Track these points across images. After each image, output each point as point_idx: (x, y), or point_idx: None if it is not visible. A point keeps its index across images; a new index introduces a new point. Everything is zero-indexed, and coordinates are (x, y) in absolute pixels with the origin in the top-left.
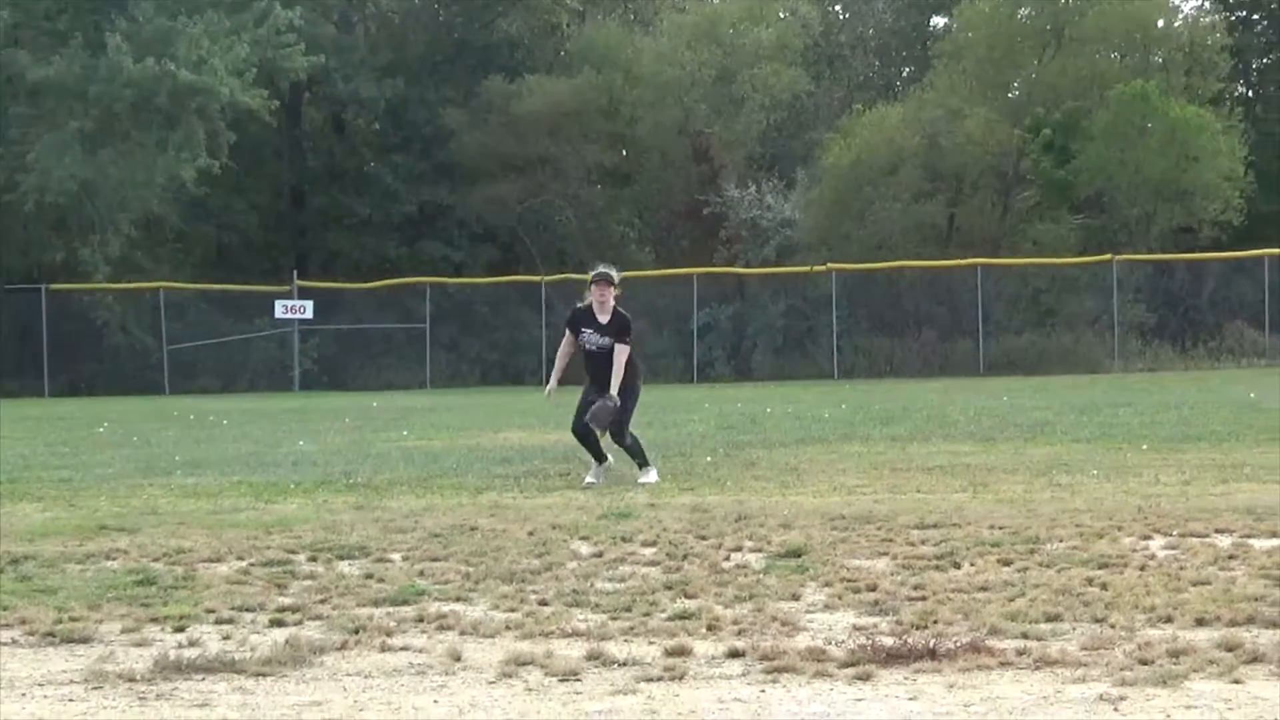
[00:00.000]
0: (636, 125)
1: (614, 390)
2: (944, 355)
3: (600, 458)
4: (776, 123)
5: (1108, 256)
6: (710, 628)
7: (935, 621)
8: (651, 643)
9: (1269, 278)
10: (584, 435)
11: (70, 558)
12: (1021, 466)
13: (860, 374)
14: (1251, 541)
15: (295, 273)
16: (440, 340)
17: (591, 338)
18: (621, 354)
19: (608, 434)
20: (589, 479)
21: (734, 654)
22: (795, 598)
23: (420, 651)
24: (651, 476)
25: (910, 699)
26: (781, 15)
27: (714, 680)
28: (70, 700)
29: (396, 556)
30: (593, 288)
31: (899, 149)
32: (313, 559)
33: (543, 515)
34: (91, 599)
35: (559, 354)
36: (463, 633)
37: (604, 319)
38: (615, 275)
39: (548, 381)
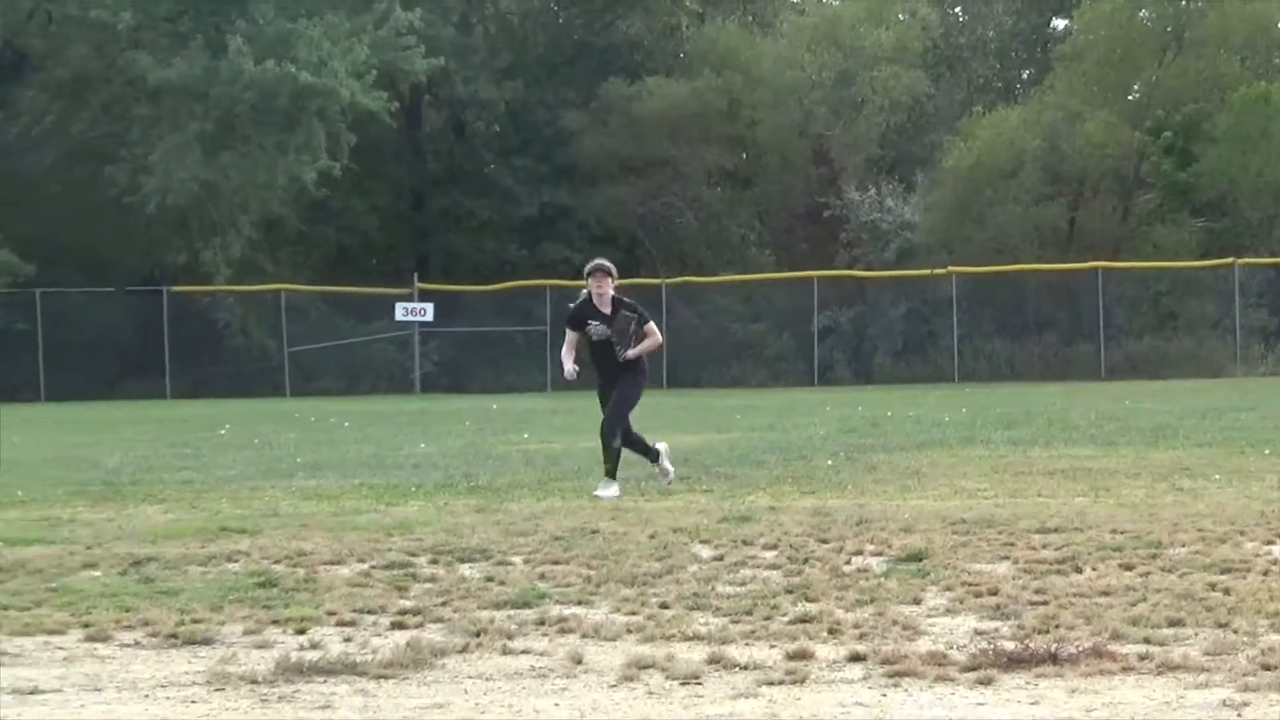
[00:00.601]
0: (756, 127)
1: (630, 354)
2: (1065, 359)
3: (651, 453)
4: (896, 125)
5: (1230, 260)
6: (831, 631)
7: (1057, 626)
8: (773, 646)
9: None
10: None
11: (192, 559)
12: (1143, 471)
13: (981, 377)
14: None
15: (416, 275)
16: (560, 343)
17: (597, 328)
18: (652, 331)
19: (610, 430)
20: (668, 474)
21: (855, 658)
22: (916, 602)
23: (541, 654)
24: (611, 490)
25: (1032, 704)
26: (901, 17)
27: (835, 684)
28: (192, 702)
29: (518, 559)
30: (591, 280)
31: (1019, 151)
32: (434, 562)
33: (663, 518)
34: (213, 601)
35: (563, 352)
36: (584, 636)
37: (606, 310)
38: (612, 267)
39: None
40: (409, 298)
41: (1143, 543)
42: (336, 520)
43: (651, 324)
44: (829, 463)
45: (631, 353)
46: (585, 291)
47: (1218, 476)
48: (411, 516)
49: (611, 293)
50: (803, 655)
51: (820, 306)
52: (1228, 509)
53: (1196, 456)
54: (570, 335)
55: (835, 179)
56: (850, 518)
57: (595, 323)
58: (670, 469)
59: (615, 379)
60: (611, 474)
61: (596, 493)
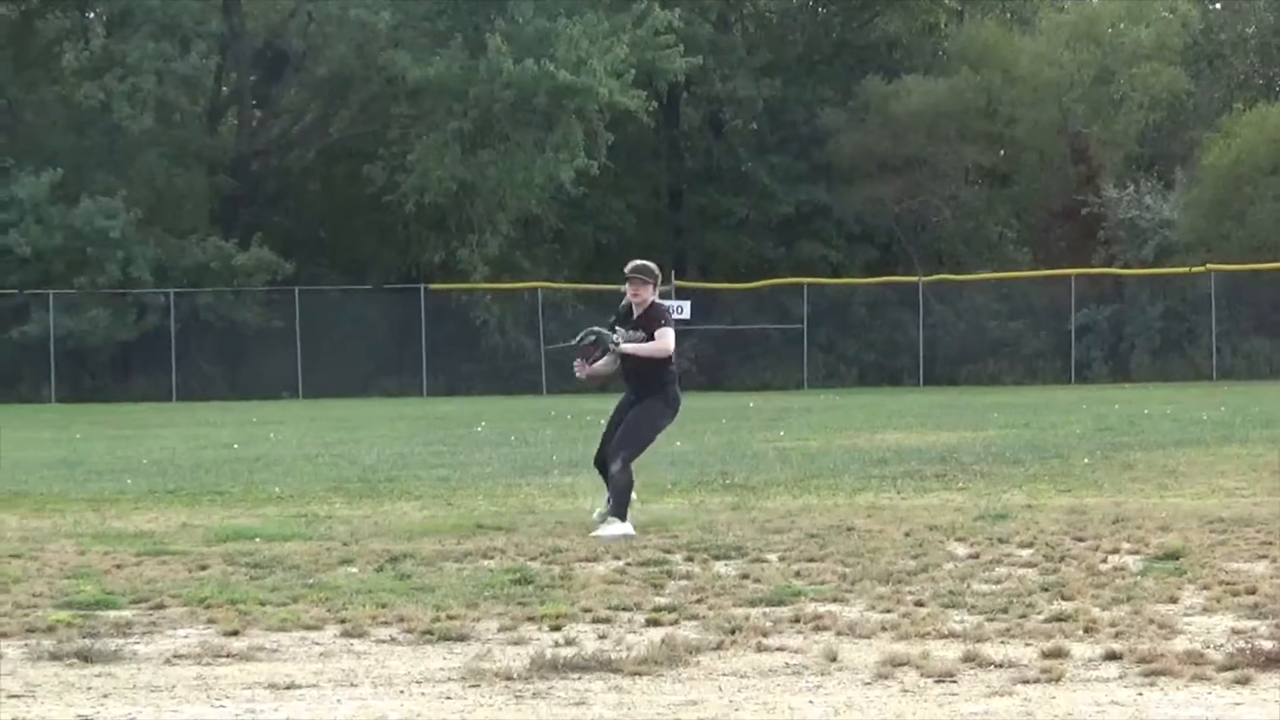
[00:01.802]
0: (1014, 125)
1: (627, 348)
2: None
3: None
4: (1155, 122)
5: None
6: (1087, 630)
7: None
8: (1028, 644)
9: None
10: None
11: (448, 556)
12: None
13: (1239, 375)
14: None
15: (673, 273)
16: (817, 340)
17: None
18: (661, 338)
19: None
20: (607, 532)
21: (1111, 656)
22: (1173, 600)
23: (796, 652)
24: (615, 529)
25: None
26: (1162, 14)
27: (1090, 683)
28: (447, 698)
29: (773, 557)
30: (628, 286)
31: None
32: (689, 559)
33: (919, 516)
34: (469, 597)
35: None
36: (839, 633)
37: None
38: (654, 269)
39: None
40: (666, 295)
41: None
42: (592, 518)
43: (663, 332)
44: (1085, 461)
45: (627, 347)
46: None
47: None
48: (667, 514)
49: (651, 299)
50: (1058, 653)
51: (1077, 304)
52: None
53: None
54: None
55: (1093, 177)
56: (1106, 516)
57: (620, 330)
58: (611, 533)
59: (633, 395)
60: (617, 514)
61: (601, 531)
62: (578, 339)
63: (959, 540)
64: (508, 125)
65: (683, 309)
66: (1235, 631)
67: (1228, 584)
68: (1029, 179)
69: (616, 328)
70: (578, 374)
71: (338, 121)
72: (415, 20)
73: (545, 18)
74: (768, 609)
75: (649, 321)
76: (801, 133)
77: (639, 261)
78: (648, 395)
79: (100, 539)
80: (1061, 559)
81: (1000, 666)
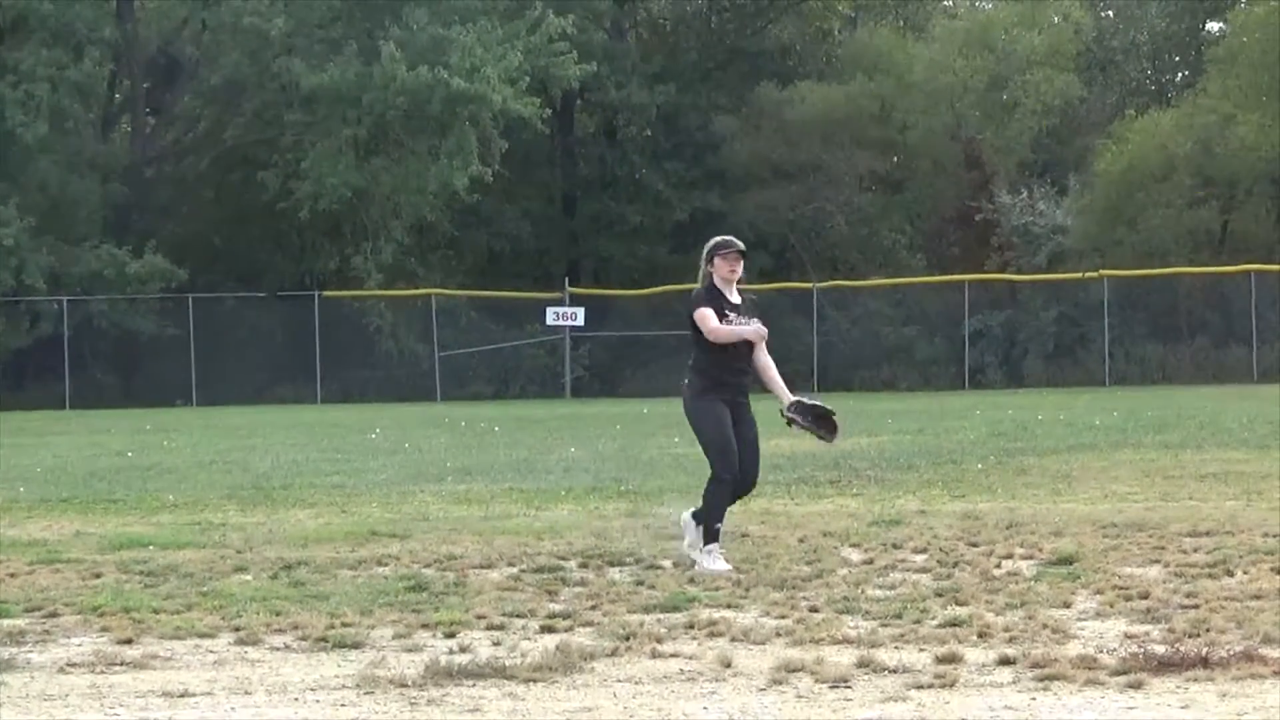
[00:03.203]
0: (908, 131)
1: (787, 395)
2: (1217, 362)
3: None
4: (1048, 128)
5: None
6: (981, 635)
7: (1208, 630)
8: (922, 650)
9: None
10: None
11: (342, 563)
12: None
13: (1132, 381)
14: None
15: (567, 280)
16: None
17: (736, 320)
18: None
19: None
20: (716, 565)
21: (1005, 661)
22: (1066, 605)
23: (691, 658)
24: (718, 565)
25: (1182, 708)
26: (1054, 21)
27: (984, 688)
28: (342, 705)
29: (667, 563)
30: (719, 262)
31: (1171, 155)
32: (584, 565)
33: (813, 522)
34: (363, 605)
35: (724, 324)
36: (733, 639)
37: (736, 300)
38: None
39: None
40: (560, 302)
41: None
42: (486, 524)
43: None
44: (979, 466)
45: (786, 394)
46: (709, 277)
47: None
48: (561, 520)
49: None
50: (952, 659)
51: (971, 310)
52: None
53: None
54: (711, 314)
55: (987, 183)
56: (1000, 521)
57: (732, 314)
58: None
59: (740, 396)
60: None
61: (695, 561)
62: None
63: (853, 546)
64: (402, 132)
65: (576, 316)
66: (1128, 636)
67: (1121, 589)
68: (923, 185)
69: (727, 312)
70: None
71: (232, 129)
72: (309, 27)
73: (439, 25)
74: (662, 615)
75: (751, 306)
76: (695, 139)
77: (729, 238)
78: (747, 394)
79: None
80: (955, 564)
81: (894, 672)
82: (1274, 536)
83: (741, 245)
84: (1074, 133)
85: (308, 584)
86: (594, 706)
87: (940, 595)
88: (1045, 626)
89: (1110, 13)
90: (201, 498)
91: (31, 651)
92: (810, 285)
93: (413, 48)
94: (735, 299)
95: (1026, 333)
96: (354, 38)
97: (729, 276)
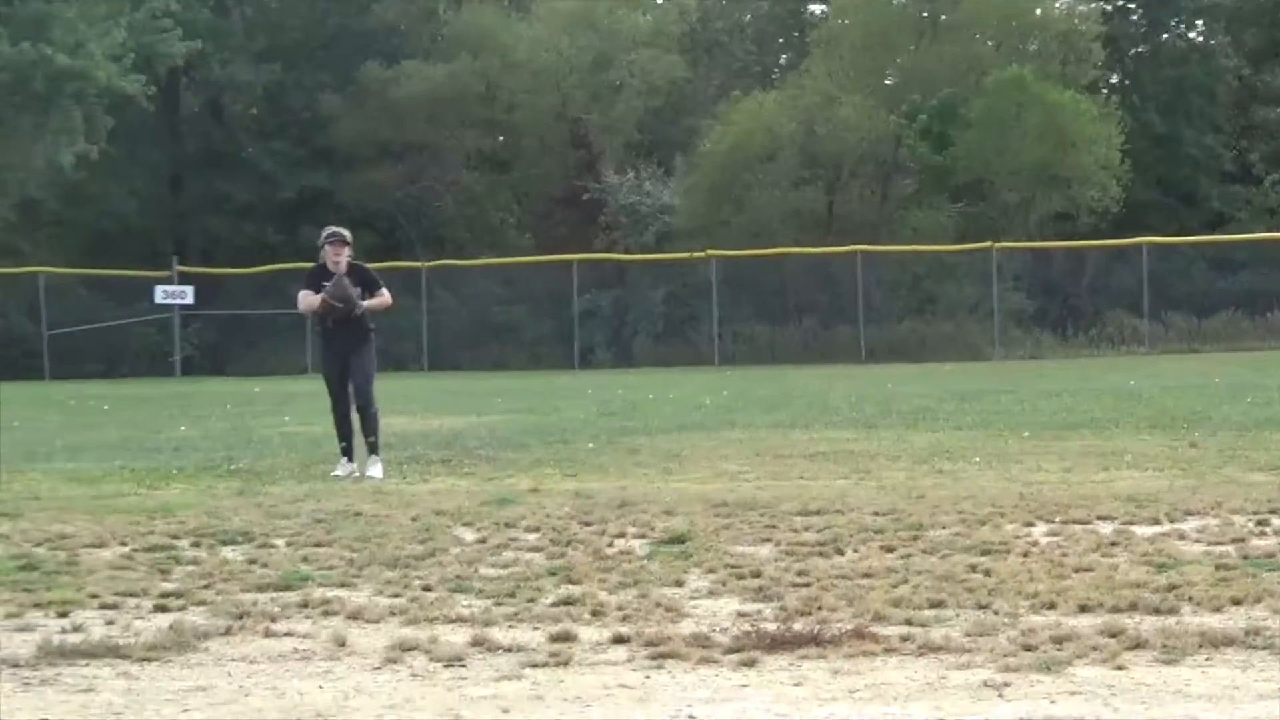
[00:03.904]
0: (514, 111)
1: (368, 305)
2: (825, 342)
3: (349, 453)
4: (654, 109)
5: (988, 244)
6: (595, 614)
7: (819, 608)
8: (536, 629)
9: (1147, 265)
10: (345, 419)
11: None
12: (904, 453)
13: (741, 360)
14: (1133, 528)
15: (175, 258)
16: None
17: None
18: (384, 294)
19: (356, 401)
20: (338, 471)
21: (619, 640)
22: (679, 584)
23: (305, 637)
24: (378, 471)
25: (795, 685)
26: (658, 1)
27: (599, 666)
28: None
29: (280, 542)
30: (328, 249)
31: (776, 136)
32: (196, 544)
33: (426, 501)
34: None
35: (308, 300)
36: (347, 618)
37: (342, 274)
38: (348, 235)
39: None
40: (168, 280)
41: (904, 525)
42: (98, 503)
43: (383, 288)
44: (590, 446)
45: (372, 303)
46: (322, 257)
47: (977, 459)
48: (173, 499)
49: (346, 262)
50: (566, 637)
51: (580, 290)
52: (988, 491)
53: (956, 439)
54: (306, 292)
55: (594, 162)
56: (612, 500)
57: (330, 285)
58: (342, 475)
59: (349, 348)
60: (376, 448)
61: (369, 471)
62: (338, 291)
63: (466, 525)
64: (5, 109)
65: (185, 294)
66: (741, 614)
67: (733, 567)
68: (530, 164)
69: (324, 284)
70: (315, 307)
71: None
72: None
73: (42, 0)
74: (276, 594)
75: (370, 280)
76: (302, 118)
77: (335, 228)
78: (365, 342)
79: None
80: (568, 543)
81: (509, 650)
82: (883, 515)
83: (338, 231)
84: (680, 113)
85: None
86: (208, 685)
87: (554, 574)
88: (658, 605)
89: None
90: None
91: None
92: (419, 264)
93: (15, 23)
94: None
95: (636, 312)
96: None
97: (334, 259)
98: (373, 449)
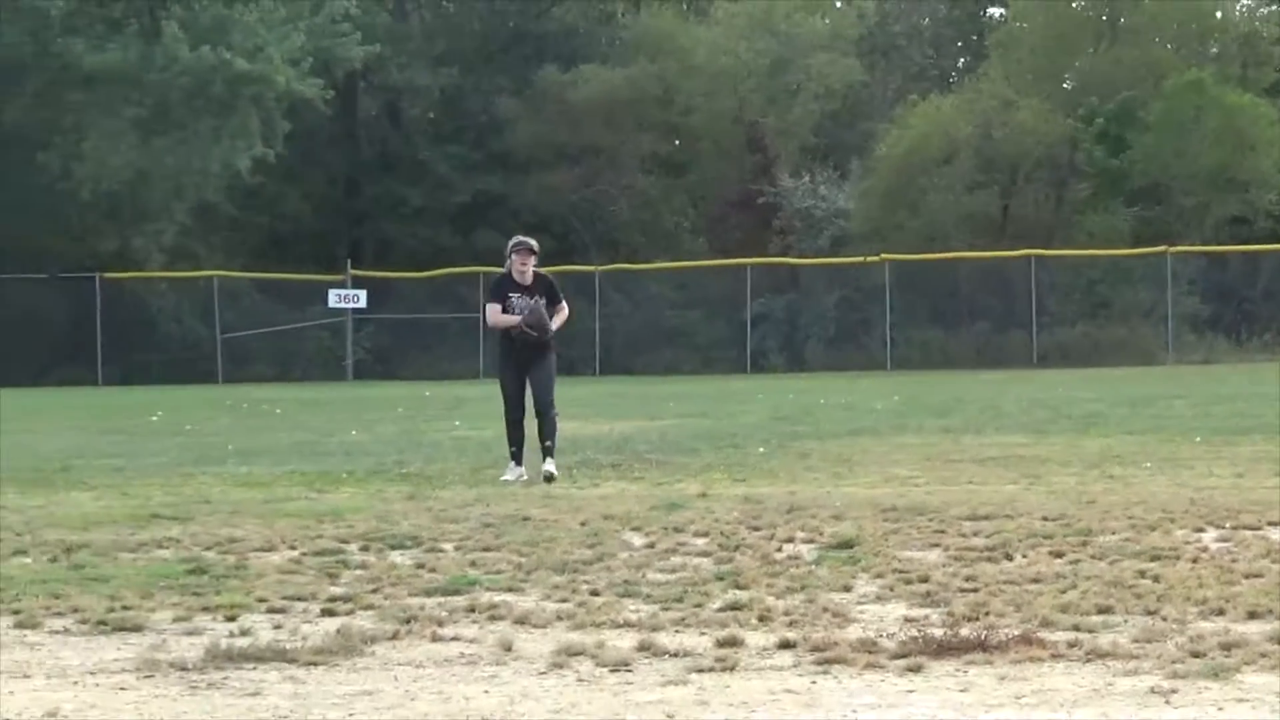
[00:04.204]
0: (691, 115)
1: (554, 326)
2: (997, 347)
3: (519, 459)
4: (830, 113)
5: (1162, 248)
6: (762, 619)
7: (986, 613)
8: (703, 634)
9: None
10: (518, 425)
11: (123, 546)
12: (1074, 458)
13: (913, 365)
14: None
15: (349, 262)
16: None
17: (520, 302)
18: (562, 310)
19: (536, 406)
20: (507, 476)
21: (785, 645)
22: (847, 589)
23: (471, 641)
24: (554, 468)
25: (961, 691)
26: (837, 5)
27: (765, 671)
28: (122, 689)
29: (449, 546)
30: (514, 257)
31: (953, 140)
32: (365, 549)
33: (595, 506)
34: (144, 588)
35: (494, 317)
36: (514, 623)
37: (527, 283)
38: (536, 245)
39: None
40: (342, 284)
41: (1073, 530)
42: (268, 507)
43: (564, 301)
44: (760, 450)
45: (556, 323)
46: (508, 265)
47: (1148, 464)
48: (343, 503)
49: (533, 271)
50: (733, 642)
51: (753, 294)
52: (1158, 497)
53: (1127, 444)
54: (494, 305)
55: (769, 166)
56: (781, 505)
57: (517, 296)
58: (511, 480)
59: (530, 358)
60: (552, 450)
61: (551, 469)
62: (534, 320)
63: (635, 530)
64: (184, 113)
65: (358, 298)
66: (908, 619)
67: (900, 572)
68: (705, 168)
69: (510, 295)
70: (507, 326)
71: (11, 109)
72: (90, 7)
73: (222, 5)
74: (443, 598)
75: (555, 292)
76: (478, 122)
77: (521, 238)
78: (546, 351)
79: None
80: (736, 548)
81: (675, 655)
82: (1052, 520)
83: (524, 241)
84: (856, 117)
85: (88, 567)
86: (374, 690)
87: (721, 579)
88: (825, 610)
89: None
90: None
91: None
92: (593, 268)
93: (195, 28)
94: (526, 283)
95: (808, 316)
96: (136, 17)
97: (519, 267)
98: (548, 453)
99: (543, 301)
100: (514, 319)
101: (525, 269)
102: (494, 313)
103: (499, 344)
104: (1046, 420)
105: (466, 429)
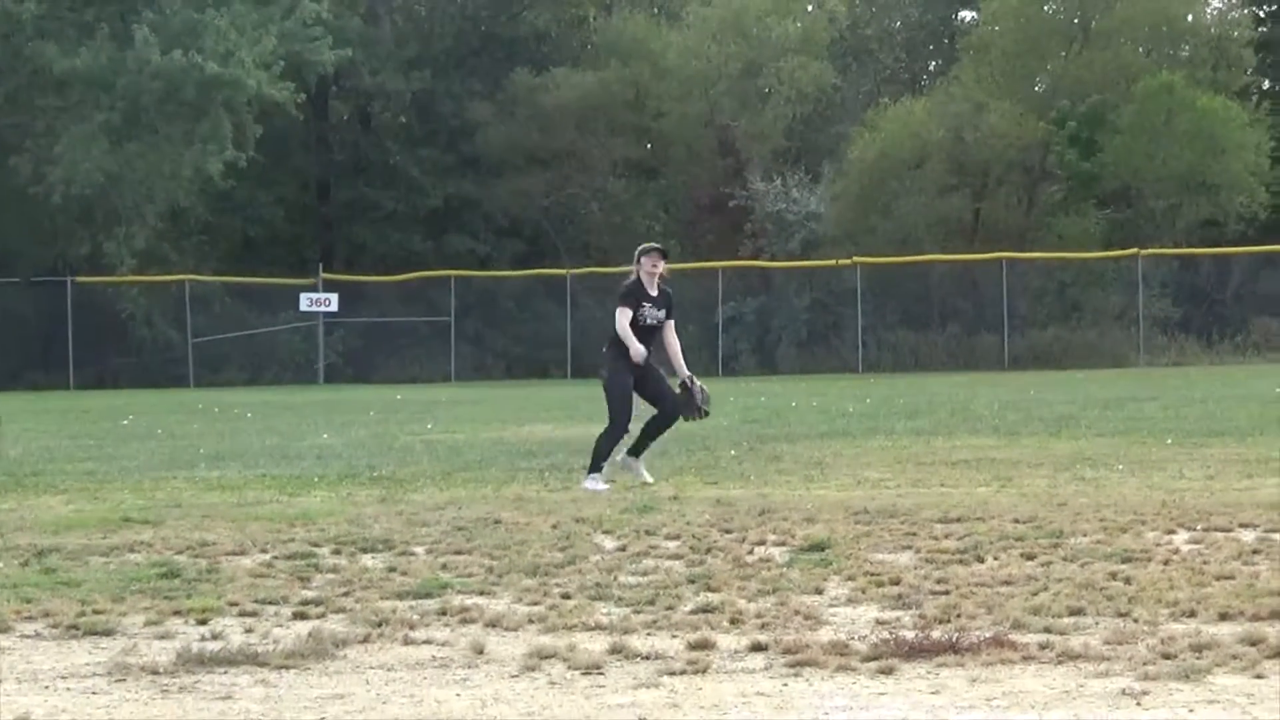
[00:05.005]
0: (662, 118)
1: (684, 369)
2: (969, 349)
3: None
4: (802, 116)
5: (1133, 251)
6: (733, 621)
7: (958, 615)
8: (674, 636)
9: None
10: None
11: (94, 550)
12: (1046, 461)
13: (885, 368)
14: (1275, 536)
15: (320, 266)
16: (465, 333)
17: (652, 312)
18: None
19: (663, 412)
20: (646, 477)
21: (757, 648)
22: (818, 591)
23: (443, 645)
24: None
25: (932, 693)
26: (808, 8)
27: (736, 674)
28: (93, 693)
29: (420, 550)
30: (645, 260)
31: (924, 143)
32: (336, 552)
33: (566, 509)
34: (115, 592)
35: (630, 335)
36: (486, 626)
37: (654, 293)
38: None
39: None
40: (313, 288)
41: (1044, 532)
42: (239, 511)
43: (670, 322)
44: (732, 453)
45: (684, 369)
46: (636, 271)
47: (1120, 466)
48: (314, 507)
49: (660, 274)
50: (704, 645)
51: (725, 297)
52: (1129, 499)
53: (1099, 446)
54: (627, 313)
55: (741, 170)
56: (753, 508)
57: (649, 305)
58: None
59: (647, 370)
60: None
61: (598, 487)
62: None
63: (606, 533)
64: (156, 117)
65: (330, 301)
66: (879, 622)
67: (872, 575)
68: (677, 172)
69: (644, 303)
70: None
71: None
72: (61, 11)
73: (193, 9)
74: (415, 602)
75: (671, 305)
76: (450, 126)
77: (653, 243)
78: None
79: None
80: (708, 551)
81: (647, 658)
82: (1024, 522)
83: (656, 245)
84: (828, 121)
85: (59, 571)
86: (346, 693)
87: (693, 582)
88: (797, 613)
89: (864, 1)
90: None
91: None
92: (565, 271)
93: (166, 32)
94: (654, 293)
95: (780, 319)
96: (107, 21)
97: (651, 272)
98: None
99: (661, 314)
100: (642, 350)
101: (656, 269)
102: (626, 318)
103: (611, 356)
104: (1018, 423)
105: (438, 432)
